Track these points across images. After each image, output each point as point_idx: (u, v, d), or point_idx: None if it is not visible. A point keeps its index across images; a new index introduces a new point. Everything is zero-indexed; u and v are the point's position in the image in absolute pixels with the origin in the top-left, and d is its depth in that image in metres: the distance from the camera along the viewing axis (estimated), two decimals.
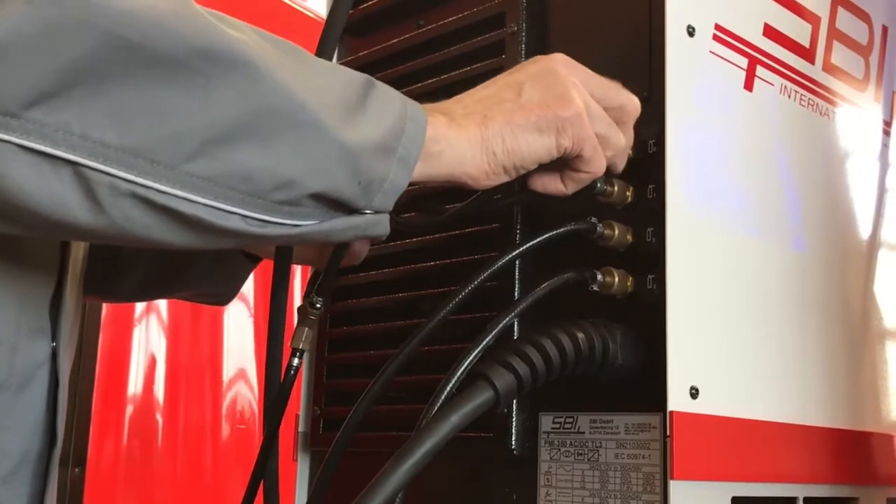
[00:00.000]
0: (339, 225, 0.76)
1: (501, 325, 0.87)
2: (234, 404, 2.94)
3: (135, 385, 2.72)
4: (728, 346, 0.95)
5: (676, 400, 0.87)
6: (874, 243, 1.17)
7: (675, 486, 0.85)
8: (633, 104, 0.89)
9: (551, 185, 0.89)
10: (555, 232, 0.91)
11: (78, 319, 0.94)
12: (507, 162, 0.83)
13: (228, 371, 2.95)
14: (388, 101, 0.78)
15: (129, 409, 2.69)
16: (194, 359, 2.87)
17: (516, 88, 0.85)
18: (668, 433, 0.86)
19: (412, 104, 0.80)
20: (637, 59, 0.95)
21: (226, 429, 2.89)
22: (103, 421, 2.60)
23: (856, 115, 1.16)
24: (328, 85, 0.76)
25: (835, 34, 1.13)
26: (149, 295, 1.24)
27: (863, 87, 1.17)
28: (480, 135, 0.81)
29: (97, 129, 0.65)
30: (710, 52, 0.97)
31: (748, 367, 0.96)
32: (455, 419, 0.79)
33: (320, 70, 0.78)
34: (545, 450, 0.96)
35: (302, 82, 0.73)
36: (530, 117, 0.83)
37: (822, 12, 1.12)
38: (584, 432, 0.93)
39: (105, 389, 2.61)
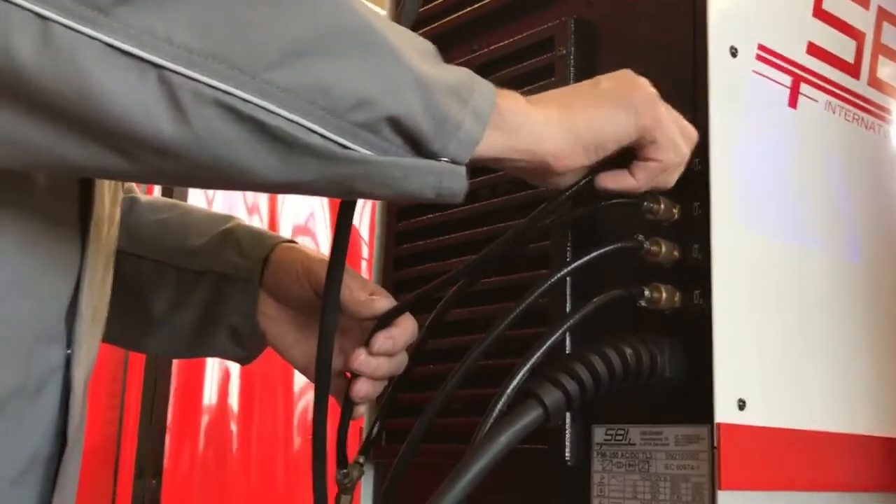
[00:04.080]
0: (417, 165, 0.75)
1: (549, 343, 0.90)
2: (305, 414, 2.99)
3: (209, 397, 2.78)
4: (776, 356, 0.97)
5: (724, 412, 0.89)
6: None
7: (723, 497, 0.88)
8: (691, 129, 0.92)
9: (622, 180, 0.90)
10: (603, 250, 0.94)
11: (96, 328, 0.95)
12: (589, 139, 0.85)
13: (299, 381, 3.00)
14: (455, 67, 0.81)
15: (204, 420, 2.75)
16: (266, 369, 2.93)
17: (592, 82, 0.89)
18: (715, 445, 0.89)
19: (478, 75, 0.82)
20: (682, 80, 0.98)
21: (297, 440, 2.94)
22: (179, 432, 2.67)
23: None
24: (402, 30, 0.79)
25: (880, 49, 1.15)
26: (172, 355, 1.27)
27: None
28: (562, 115, 0.84)
29: (181, 34, 0.65)
30: (754, 71, 1.00)
31: (796, 377, 0.99)
32: (505, 439, 0.82)
33: (393, 22, 0.81)
34: (598, 461, 0.99)
35: (379, 18, 0.75)
36: (610, 99, 0.86)
37: (867, 28, 1.14)
38: (635, 444, 0.96)
39: (181, 401, 2.67)
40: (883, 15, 1.16)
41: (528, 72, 1.11)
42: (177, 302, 1.14)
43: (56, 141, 0.68)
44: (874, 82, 1.14)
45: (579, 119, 0.84)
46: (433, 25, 1.24)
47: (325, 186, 0.76)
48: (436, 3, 1.23)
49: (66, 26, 0.63)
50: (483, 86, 0.80)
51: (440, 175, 0.77)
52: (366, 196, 0.80)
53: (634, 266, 0.96)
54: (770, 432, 0.94)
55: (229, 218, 1.19)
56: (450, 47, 1.23)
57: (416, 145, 0.75)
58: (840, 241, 1.07)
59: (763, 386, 0.94)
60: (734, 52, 0.98)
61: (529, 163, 0.84)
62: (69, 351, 0.87)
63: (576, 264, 0.94)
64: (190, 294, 1.13)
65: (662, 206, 0.95)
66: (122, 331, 1.13)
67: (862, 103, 1.12)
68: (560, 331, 0.91)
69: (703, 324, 0.92)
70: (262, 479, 2.85)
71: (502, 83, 1.12)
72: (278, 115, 0.69)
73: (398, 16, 0.95)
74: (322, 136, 0.70)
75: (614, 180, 0.90)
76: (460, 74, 0.80)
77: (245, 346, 1.16)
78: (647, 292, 0.94)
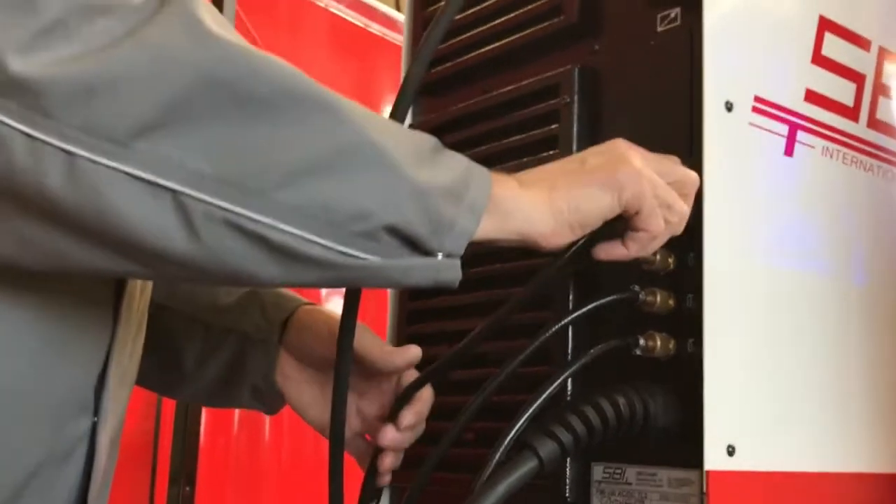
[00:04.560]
0: (415, 264, 0.81)
1: (547, 393, 0.95)
2: None
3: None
4: (767, 401, 1.01)
5: (713, 459, 0.94)
6: None
7: None
8: (691, 178, 0.96)
9: (614, 251, 0.95)
10: (600, 302, 0.98)
11: (123, 392, 1.02)
12: (573, 219, 0.90)
13: None
14: (455, 158, 0.87)
15: (236, 426, 2.80)
16: None
17: (580, 159, 0.93)
18: (704, 490, 0.93)
19: (476, 164, 0.87)
20: (678, 133, 1.01)
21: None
22: (212, 439, 2.73)
23: None
24: (402, 136, 0.84)
25: (881, 90, 1.18)
26: (200, 403, 1.34)
27: None
28: (548, 196, 0.89)
29: (194, 160, 0.72)
30: (749, 123, 1.03)
31: (789, 420, 1.03)
32: (502, 489, 0.87)
33: (395, 126, 0.87)
34: (596, 498, 1.03)
35: (379, 129, 0.80)
36: (594, 178, 0.90)
37: (867, 70, 1.16)
38: (631, 483, 1.01)
39: (214, 409, 2.74)
40: (884, 55, 1.18)
41: (535, 116, 1.15)
42: (204, 358, 1.20)
43: (82, 252, 0.75)
44: (873, 123, 1.17)
45: (563, 201, 0.89)
46: (447, 65, 1.28)
47: (328, 284, 0.84)
48: (449, 42, 1.27)
49: (89, 160, 0.70)
50: (479, 179, 0.85)
51: (437, 270, 0.83)
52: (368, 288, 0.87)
53: (632, 311, 1.00)
54: (760, 476, 0.98)
55: None
56: (462, 86, 1.27)
57: (414, 245, 0.81)
58: (838, 280, 1.11)
59: (753, 431, 0.98)
60: (729, 107, 1.01)
61: (520, 242, 0.89)
62: (95, 419, 0.93)
63: (574, 315, 0.98)
64: (215, 351, 1.20)
65: (658, 256, 0.99)
66: (157, 380, 1.20)
67: (860, 145, 1.14)
68: (557, 382, 0.96)
69: (697, 371, 0.96)
70: (294, 486, 2.90)
71: (510, 126, 1.17)
72: (283, 230, 0.75)
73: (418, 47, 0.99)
74: (323, 246, 0.76)
75: (607, 252, 0.95)
76: (457, 170, 0.85)
77: (266, 402, 1.22)
78: (642, 341, 0.98)
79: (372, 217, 0.78)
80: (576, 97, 1.11)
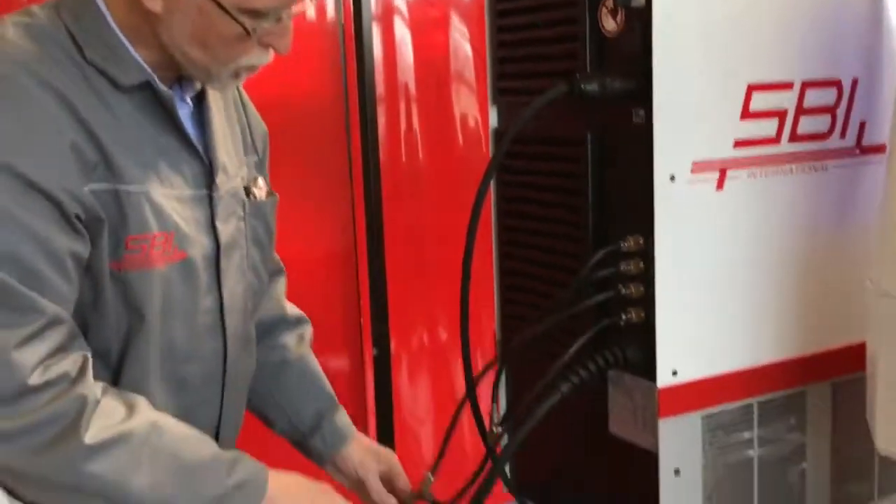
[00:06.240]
0: None
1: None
2: None
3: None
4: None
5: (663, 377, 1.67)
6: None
7: None
8: None
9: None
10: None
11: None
12: None
13: None
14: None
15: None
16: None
17: None
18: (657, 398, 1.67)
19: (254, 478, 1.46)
20: (646, 194, 1.62)
21: None
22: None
23: (822, 157, 1.75)
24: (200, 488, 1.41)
25: (802, 111, 1.68)
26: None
27: (828, 136, 1.74)
28: None
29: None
30: (688, 182, 1.63)
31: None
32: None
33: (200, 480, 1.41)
34: None
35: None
36: None
37: (790, 104, 1.67)
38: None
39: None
40: (806, 86, 1.69)
41: (559, 168, 1.80)
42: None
43: None
44: (795, 138, 1.68)
45: None
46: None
47: None
48: None
49: None
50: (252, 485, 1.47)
51: None
52: None
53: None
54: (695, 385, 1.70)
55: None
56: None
57: None
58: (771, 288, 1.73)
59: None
60: (672, 178, 1.61)
61: None
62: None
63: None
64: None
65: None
66: None
67: (781, 158, 1.68)
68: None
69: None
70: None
71: (542, 170, 1.82)
72: None
73: None
74: None
75: None
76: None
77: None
78: (624, 316, 1.69)
79: None
80: (590, 157, 1.74)
